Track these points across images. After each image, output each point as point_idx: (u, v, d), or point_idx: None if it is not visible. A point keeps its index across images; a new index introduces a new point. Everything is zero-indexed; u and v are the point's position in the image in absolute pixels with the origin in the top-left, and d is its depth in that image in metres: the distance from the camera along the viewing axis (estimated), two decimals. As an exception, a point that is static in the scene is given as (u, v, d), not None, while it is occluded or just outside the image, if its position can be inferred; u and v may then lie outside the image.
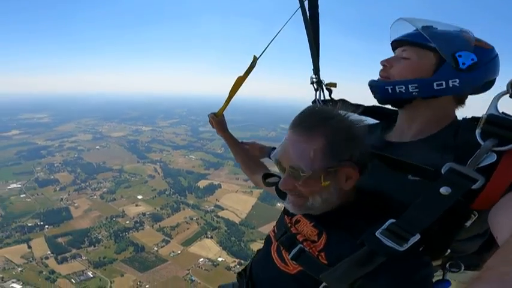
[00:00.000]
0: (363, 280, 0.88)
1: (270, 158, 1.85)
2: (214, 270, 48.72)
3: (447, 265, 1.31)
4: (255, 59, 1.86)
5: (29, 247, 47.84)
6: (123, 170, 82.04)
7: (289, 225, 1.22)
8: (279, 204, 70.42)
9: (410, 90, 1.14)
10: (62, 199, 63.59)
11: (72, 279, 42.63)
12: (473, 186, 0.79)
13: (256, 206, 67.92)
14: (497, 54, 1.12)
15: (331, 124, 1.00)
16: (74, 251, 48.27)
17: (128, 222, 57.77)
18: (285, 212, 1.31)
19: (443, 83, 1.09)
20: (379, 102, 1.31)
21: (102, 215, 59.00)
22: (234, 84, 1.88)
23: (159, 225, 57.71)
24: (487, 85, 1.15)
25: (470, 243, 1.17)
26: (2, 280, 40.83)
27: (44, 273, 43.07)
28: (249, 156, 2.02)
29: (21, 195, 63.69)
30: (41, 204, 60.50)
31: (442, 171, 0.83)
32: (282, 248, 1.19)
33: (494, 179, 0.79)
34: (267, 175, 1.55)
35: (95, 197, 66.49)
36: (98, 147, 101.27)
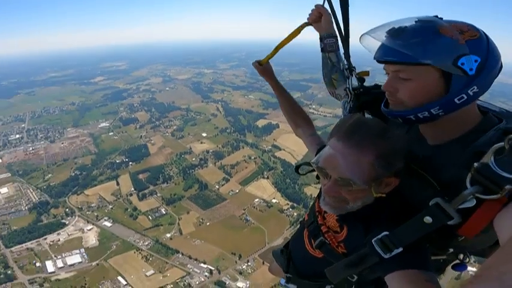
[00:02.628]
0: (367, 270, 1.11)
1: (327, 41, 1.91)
2: (267, 211, 51.30)
3: (460, 257, 1.37)
4: (303, 27, 1.95)
5: (117, 184, 56.36)
6: (189, 108, 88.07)
7: (317, 214, 1.43)
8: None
9: (435, 113, 1.11)
10: (141, 136, 72.95)
11: (149, 216, 49.73)
12: (449, 222, 0.91)
13: None
14: (485, 35, 1.07)
15: (381, 139, 1.06)
16: (151, 187, 55.77)
17: (194, 159, 63.68)
18: (319, 196, 1.41)
19: (464, 95, 1.06)
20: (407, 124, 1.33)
21: (173, 151, 66.06)
22: (282, 40, 1.95)
23: (221, 163, 62.13)
24: (500, 69, 1.10)
25: (479, 242, 1.22)
26: (97, 219, 48.86)
27: (128, 210, 50.77)
28: (295, 108, 1.99)
29: (110, 133, 74.94)
30: (125, 142, 70.59)
31: (430, 204, 0.94)
32: (309, 235, 1.44)
33: (470, 221, 0.92)
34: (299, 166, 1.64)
35: (167, 134, 74.15)
36: (167, 88, 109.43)
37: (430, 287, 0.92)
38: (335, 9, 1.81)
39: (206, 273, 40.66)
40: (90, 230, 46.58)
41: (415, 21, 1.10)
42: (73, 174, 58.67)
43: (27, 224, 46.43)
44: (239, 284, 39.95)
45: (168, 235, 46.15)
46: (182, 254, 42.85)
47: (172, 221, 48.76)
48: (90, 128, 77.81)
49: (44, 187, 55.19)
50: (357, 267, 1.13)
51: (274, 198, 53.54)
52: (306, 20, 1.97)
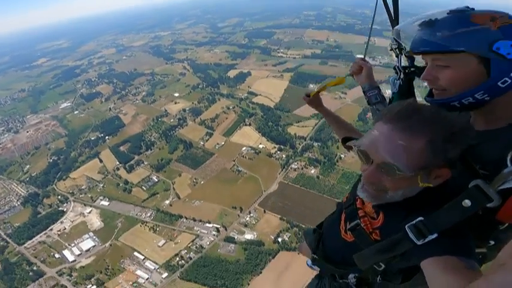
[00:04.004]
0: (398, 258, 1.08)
1: (371, 92, 1.96)
2: (257, 158, 52.28)
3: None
4: (344, 81, 2.15)
5: (100, 161, 54.17)
6: (154, 72, 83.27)
7: (357, 197, 1.36)
8: (311, 85, 67.74)
9: (480, 98, 1.10)
10: (110, 109, 68.89)
11: (143, 187, 48.78)
12: (489, 205, 0.88)
13: (289, 89, 66.55)
14: None
15: (434, 125, 0.99)
16: (136, 157, 54.19)
17: (172, 120, 62.07)
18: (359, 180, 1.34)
19: (507, 79, 1.04)
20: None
21: (149, 117, 63.67)
22: (328, 83, 2.16)
23: (200, 119, 61.16)
24: None
25: None
26: (92, 200, 47.32)
27: (120, 185, 49.39)
28: (343, 124, 2.11)
29: (75, 112, 70.06)
30: (94, 117, 66.58)
31: (469, 186, 0.91)
32: (346, 218, 1.39)
33: (508, 203, 0.90)
34: (347, 139, 1.56)
35: (137, 101, 70.64)
36: (124, 57, 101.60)
37: (471, 274, 0.82)
38: None
39: (214, 232, 41.33)
40: (90, 212, 45.55)
41: (447, 13, 1.13)
42: (51, 160, 55.59)
43: (27, 219, 44.72)
44: (247, 236, 41.01)
45: (167, 202, 45.84)
46: (186, 218, 42.98)
47: (167, 187, 48.36)
48: (51, 111, 72.15)
49: (27, 179, 52.29)
50: (389, 253, 1.09)
51: (260, 143, 54.35)
52: (348, 72, 2.10)
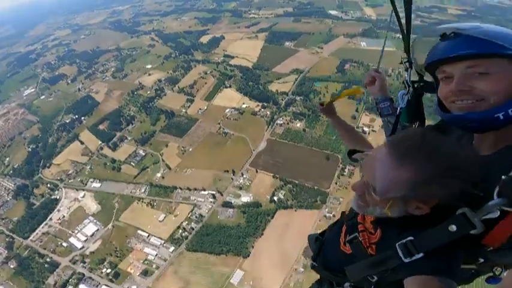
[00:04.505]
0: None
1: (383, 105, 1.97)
2: (242, 118, 51.92)
3: (495, 270, 1.27)
4: (360, 91, 2.08)
5: (81, 143, 51.66)
6: (120, 48, 78.27)
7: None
8: (287, 43, 67.36)
9: None
10: (79, 89, 64.72)
11: (131, 163, 47.33)
12: (473, 232, 0.92)
13: (265, 49, 65.63)
14: None
15: (430, 159, 0.94)
16: (118, 134, 52.14)
17: (148, 92, 59.71)
18: None
19: None
20: (479, 132, 1.17)
21: (123, 92, 60.74)
22: (342, 93, 2.13)
23: (178, 87, 59.34)
24: None
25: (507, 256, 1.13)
26: (83, 183, 45.59)
27: (108, 164, 47.58)
28: (353, 135, 2.12)
29: (41, 97, 65.31)
30: (64, 100, 62.42)
31: (457, 213, 0.95)
32: (347, 231, 1.43)
33: (493, 232, 0.95)
34: (353, 151, 1.48)
35: (107, 78, 66.83)
36: (83, 36, 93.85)
37: None
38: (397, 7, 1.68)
39: (211, 199, 41.29)
40: (83, 197, 44.24)
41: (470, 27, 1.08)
42: (30, 149, 52.69)
43: (23, 212, 43.17)
44: (243, 199, 41.18)
45: (159, 174, 45.01)
46: (181, 189, 42.70)
47: (155, 160, 47.25)
48: (16, 99, 66.96)
49: (10, 172, 49.67)
50: (377, 268, 1.15)
51: (243, 103, 53.91)
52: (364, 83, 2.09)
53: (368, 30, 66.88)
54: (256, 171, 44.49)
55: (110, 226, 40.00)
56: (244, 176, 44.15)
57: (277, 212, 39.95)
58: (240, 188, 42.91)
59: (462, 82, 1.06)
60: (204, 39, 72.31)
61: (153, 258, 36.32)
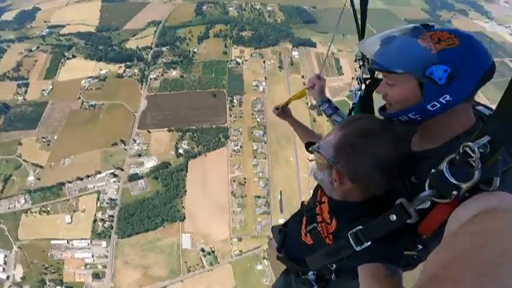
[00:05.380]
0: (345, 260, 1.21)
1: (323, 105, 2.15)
2: (106, 84, 44.25)
3: None
4: (305, 93, 2.31)
5: None
6: None
7: (317, 203, 1.47)
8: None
9: (413, 117, 1.16)
10: None
11: None
12: (408, 221, 0.99)
13: (106, 8, 56.57)
14: (470, 43, 1.03)
15: (358, 141, 1.13)
16: None
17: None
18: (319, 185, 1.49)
19: (435, 103, 1.07)
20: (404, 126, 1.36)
21: None
22: (291, 97, 2.34)
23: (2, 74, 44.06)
24: (487, 75, 1.04)
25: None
26: None
27: None
28: (308, 131, 2.32)
29: None
30: None
31: (396, 203, 1.03)
32: (306, 222, 1.50)
33: (425, 221, 1.03)
34: (310, 143, 1.59)
35: None
36: None
37: (387, 282, 0.98)
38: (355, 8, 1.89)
39: (113, 179, 36.29)
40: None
41: (404, 31, 1.13)
42: None
43: None
44: (148, 164, 37.99)
45: (31, 178, 35.91)
46: (69, 182, 35.75)
47: (16, 164, 36.68)
48: None
49: None
50: (334, 257, 1.23)
51: (100, 69, 46.06)
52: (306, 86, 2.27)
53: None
54: (149, 132, 40.32)
55: (15, 249, 33.12)
56: (138, 141, 39.56)
57: (189, 163, 38.32)
58: (140, 155, 38.53)
59: (381, 88, 1.25)
60: (8, 16, 54.67)
61: (92, 260, 32.78)
